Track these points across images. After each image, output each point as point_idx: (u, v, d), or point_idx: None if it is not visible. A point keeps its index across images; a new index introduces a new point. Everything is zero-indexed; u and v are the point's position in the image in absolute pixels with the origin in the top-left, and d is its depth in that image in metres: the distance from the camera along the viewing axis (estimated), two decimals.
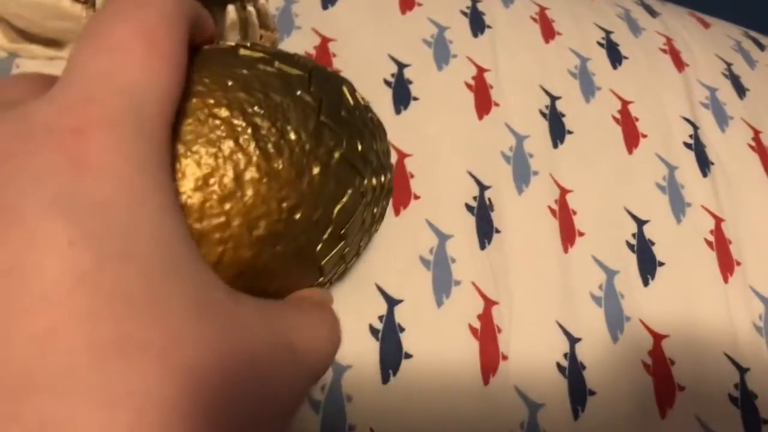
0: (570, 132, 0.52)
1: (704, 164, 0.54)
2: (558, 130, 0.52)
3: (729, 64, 0.63)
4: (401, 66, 0.52)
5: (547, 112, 0.53)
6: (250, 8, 0.43)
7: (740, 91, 0.61)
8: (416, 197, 0.45)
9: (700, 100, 0.59)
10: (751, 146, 0.57)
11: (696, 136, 0.56)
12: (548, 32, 0.59)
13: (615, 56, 0.59)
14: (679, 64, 0.61)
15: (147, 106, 0.19)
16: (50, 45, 0.45)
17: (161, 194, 0.19)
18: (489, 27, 0.57)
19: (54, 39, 0.44)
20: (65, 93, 0.19)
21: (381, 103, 0.50)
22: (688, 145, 0.55)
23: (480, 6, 0.58)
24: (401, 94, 0.50)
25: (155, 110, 0.20)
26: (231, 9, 0.42)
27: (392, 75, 0.51)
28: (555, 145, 0.51)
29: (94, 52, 0.20)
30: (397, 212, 0.44)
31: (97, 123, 0.18)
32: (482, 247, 0.45)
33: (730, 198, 0.53)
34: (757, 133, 0.58)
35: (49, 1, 0.41)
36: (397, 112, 0.49)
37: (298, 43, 0.51)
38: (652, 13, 0.66)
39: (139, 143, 0.19)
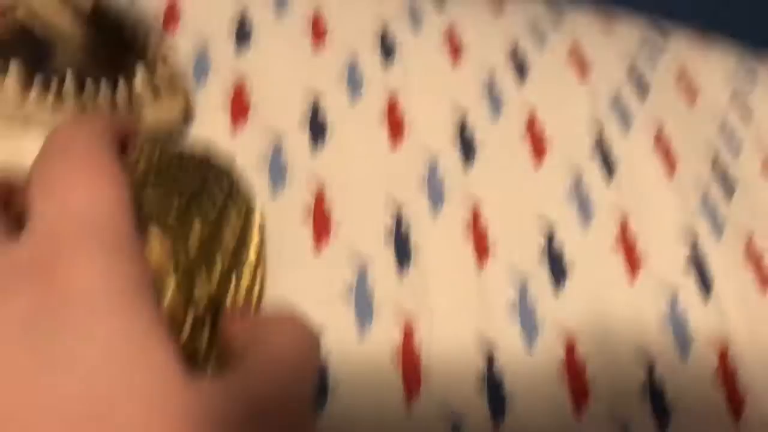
0: (481, 148, 0.56)
1: (610, 166, 0.58)
2: (470, 148, 0.55)
3: (633, 64, 0.67)
4: (316, 99, 0.54)
5: (458, 130, 0.56)
6: (159, 67, 0.45)
7: (643, 89, 0.65)
8: (335, 229, 0.48)
9: (604, 104, 0.62)
10: (653, 144, 0.60)
11: (601, 140, 0.59)
12: (456, 51, 0.62)
13: (522, 68, 0.62)
14: (584, 69, 0.64)
15: (107, 227, 0.22)
16: None
17: (150, 316, 0.22)
18: (399, 51, 0.60)
19: None
20: (31, 237, 0.22)
21: (298, 137, 0.52)
22: (593, 150, 0.58)
23: (390, 33, 0.61)
24: (317, 126, 0.53)
25: (115, 227, 0.22)
26: (140, 70, 0.44)
27: (308, 108, 0.54)
28: (467, 163, 0.54)
29: (47, 194, 0.23)
30: (317, 246, 0.47)
31: (68, 256, 0.21)
32: (401, 271, 0.48)
33: (635, 197, 0.56)
34: (659, 129, 0.62)
35: None
36: (314, 144, 0.52)
37: (214, 86, 0.53)
38: (557, 21, 0.69)
39: (113, 264, 0.22)
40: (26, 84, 0.43)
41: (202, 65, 0.54)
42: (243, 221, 0.36)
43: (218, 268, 0.31)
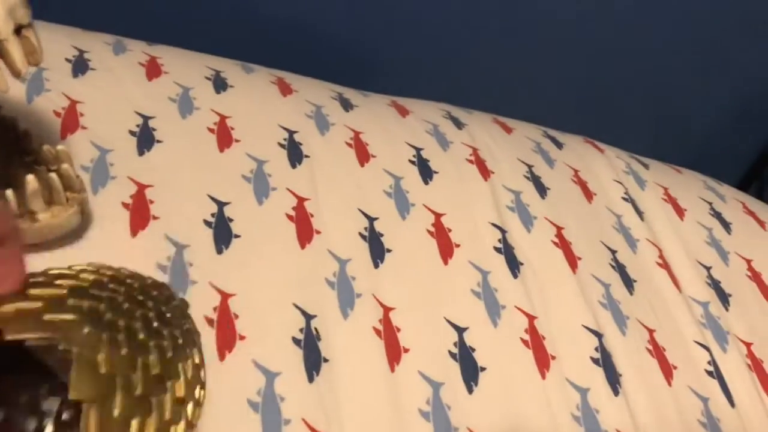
0: (389, 250, 0.56)
1: (514, 266, 0.59)
2: (378, 251, 0.55)
3: (530, 167, 0.70)
4: (221, 204, 0.54)
5: (366, 234, 0.56)
6: (52, 174, 0.44)
7: (542, 191, 0.67)
8: (241, 338, 0.46)
9: (506, 204, 0.64)
10: (554, 243, 0.63)
11: (504, 240, 0.61)
12: (363, 156, 0.63)
13: (426, 172, 0.64)
14: (485, 172, 0.66)
15: None
16: None
17: None
18: (307, 156, 0.60)
19: None
20: None
21: (202, 243, 0.51)
22: (498, 249, 0.60)
23: (297, 137, 0.62)
24: (222, 233, 0.52)
25: None
26: (31, 179, 0.42)
27: (212, 215, 0.53)
28: (376, 266, 0.54)
29: None
30: (222, 357, 0.45)
31: None
32: (311, 379, 0.46)
33: (541, 295, 0.57)
34: (559, 229, 0.64)
35: None
36: (219, 251, 0.51)
37: (114, 193, 0.51)
38: (459, 125, 0.72)
39: None
40: None
41: (101, 170, 0.53)
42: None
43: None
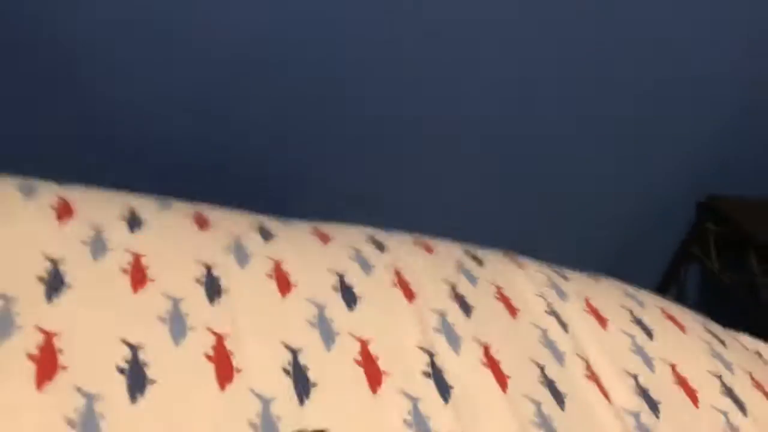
0: (314, 384, 0.54)
1: (444, 390, 0.58)
2: (303, 385, 0.53)
3: (454, 286, 0.70)
4: (135, 348, 0.51)
5: (290, 368, 0.54)
6: None
7: (466, 310, 0.67)
8: None
9: (432, 326, 0.64)
10: (483, 363, 0.62)
11: (433, 363, 0.60)
12: (284, 285, 0.62)
13: (350, 298, 0.63)
14: (409, 294, 0.66)
15: None
16: None
17: None
18: (226, 291, 0.59)
19: None
20: None
21: (115, 393, 0.48)
22: (427, 374, 0.59)
23: (215, 271, 0.61)
24: (136, 379, 0.49)
25: None
26: None
27: (125, 360, 0.50)
28: (301, 401, 0.52)
29: None
30: None
31: None
32: None
33: (472, 420, 0.56)
34: (486, 348, 0.64)
35: None
36: (133, 399, 0.48)
37: (19, 344, 0.49)
38: (381, 247, 0.72)
39: None
40: None
41: (5, 320, 0.50)
42: None
43: None
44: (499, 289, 0.74)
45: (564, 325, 0.72)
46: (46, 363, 0.48)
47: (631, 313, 0.78)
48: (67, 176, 0.71)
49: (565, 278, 0.82)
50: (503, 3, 1.07)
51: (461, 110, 1.15)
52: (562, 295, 0.77)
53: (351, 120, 1.12)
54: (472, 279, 0.73)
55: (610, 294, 0.83)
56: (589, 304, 0.77)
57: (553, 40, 1.13)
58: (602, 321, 0.76)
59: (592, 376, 0.67)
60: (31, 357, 0.48)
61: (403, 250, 0.74)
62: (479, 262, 0.78)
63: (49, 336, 0.50)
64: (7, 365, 0.47)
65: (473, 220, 1.13)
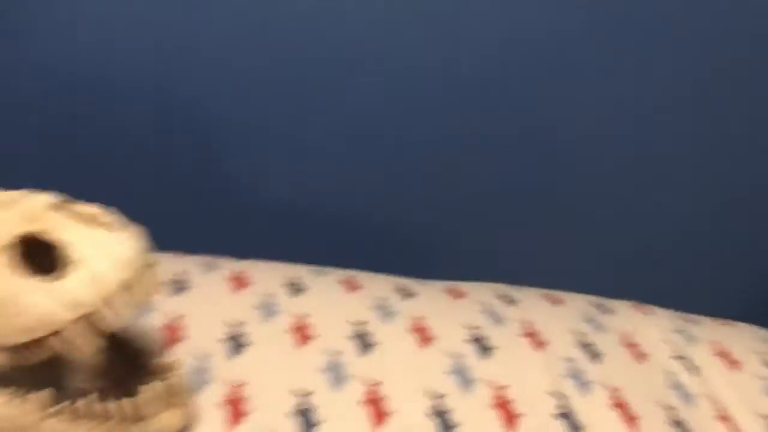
0: (457, 426, 0.61)
1: (575, 430, 0.63)
2: (447, 427, 0.61)
3: (581, 335, 0.75)
4: (304, 396, 0.61)
5: (435, 412, 0.62)
6: (164, 384, 0.52)
7: (594, 356, 0.72)
8: None
9: (561, 373, 0.69)
10: (611, 404, 0.67)
11: (564, 406, 0.65)
12: (425, 339, 0.70)
13: (484, 349, 0.70)
14: (539, 344, 0.72)
15: None
16: None
17: None
18: (374, 345, 0.68)
19: None
20: None
21: None
22: (557, 416, 0.64)
23: (365, 328, 0.70)
24: (307, 421, 0.59)
25: None
26: (147, 389, 0.51)
27: (297, 406, 0.60)
28: None
29: None
30: None
31: None
32: None
33: None
34: (614, 390, 0.68)
35: None
36: None
37: (211, 394, 0.60)
38: (511, 301, 0.79)
39: None
40: (49, 402, 0.50)
41: (200, 374, 0.61)
42: None
43: None
44: (625, 336, 0.78)
45: (694, 369, 0.75)
46: (234, 410, 0.59)
47: (764, 356, 0.80)
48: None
49: (695, 323, 0.84)
50: None
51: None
52: (691, 340, 0.80)
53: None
54: (600, 327, 0.78)
55: (743, 337, 0.84)
56: (720, 348, 0.79)
57: None
58: (735, 364, 0.78)
59: (724, 418, 0.69)
60: (222, 404, 0.59)
61: (532, 304, 0.80)
62: (606, 311, 0.82)
63: (234, 388, 0.61)
64: (203, 412, 0.58)
65: (604, 273, 1.17)
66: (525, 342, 0.73)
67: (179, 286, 0.72)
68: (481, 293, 0.81)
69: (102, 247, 0.45)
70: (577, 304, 0.83)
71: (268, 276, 0.77)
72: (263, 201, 1.17)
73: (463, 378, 0.66)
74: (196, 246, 0.85)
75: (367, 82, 1.08)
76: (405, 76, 1.08)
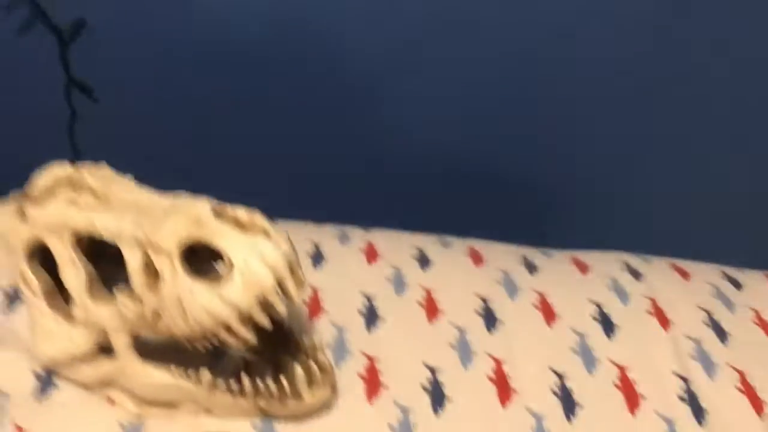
0: (579, 405, 0.64)
1: (699, 414, 0.64)
2: (569, 406, 0.64)
3: (710, 313, 0.75)
4: (434, 371, 0.65)
5: (558, 390, 0.65)
6: (311, 362, 0.58)
7: (722, 336, 0.72)
8: None
9: (687, 353, 0.70)
10: (739, 388, 0.67)
11: (688, 389, 0.66)
12: (550, 316, 0.72)
13: (608, 327, 0.72)
14: (665, 322, 0.73)
15: None
16: (167, 407, 0.60)
17: None
18: (500, 321, 0.71)
19: (171, 403, 0.60)
20: None
21: (421, 406, 0.62)
22: (682, 398, 0.65)
23: (490, 304, 0.73)
24: (437, 396, 0.63)
25: None
26: (298, 368, 0.57)
27: (428, 380, 0.65)
28: (569, 420, 0.63)
29: None
30: None
31: None
32: None
33: None
34: (742, 374, 0.68)
35: (165, 381, 0.57)
36: (436, 413, 0.62)
37: (351, 366, 0.65)
38: (637, 276, 0.80)
39: None
40: (215, 380, 0.57)
41: (340, 347, 0.67)
42: None
43: None
44: (757, 313, 0.77)
45: None
46: (372, 382, 0.64)
47: None
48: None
49: None
50: None
51: None
52: None
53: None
54: (729, 304, 0.77)
55: None
56: None
57: None
58: None
59: None
60: (360, 376, 0.65)
61: (659, 277, 0.80)
62: (737, 285, 0.81)
63: (371, 360, 0.66)
64: (344, 383, 0.64)
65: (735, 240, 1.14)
66: (650, 320, 0.73)
67: (316, 258, 0.78)
68: (607, 265, 0.81)
69: (256, 251, 0.50)
70: (706, 276, 0.82)
71: (396, 247, 0.81)
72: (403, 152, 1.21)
73: (587, 357, 0.68)
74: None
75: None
76: None
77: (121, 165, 1.28)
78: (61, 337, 0.58)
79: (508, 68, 1.10)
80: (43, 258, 0.59)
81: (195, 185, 1.27)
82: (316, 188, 1.28)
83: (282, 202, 1.27)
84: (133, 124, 1.22)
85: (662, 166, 1.17)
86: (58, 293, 0.59)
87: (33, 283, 0.58)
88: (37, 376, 0.63)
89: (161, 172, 1.25)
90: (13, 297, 0.70)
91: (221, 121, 1.20)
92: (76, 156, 1.25)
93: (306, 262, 0.77)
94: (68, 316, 0.58)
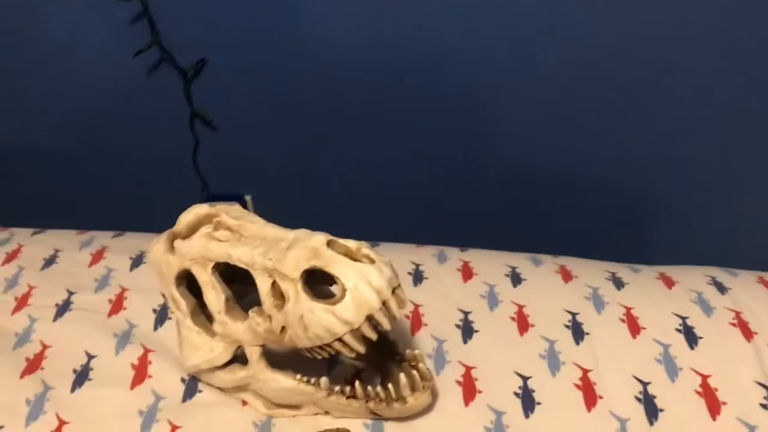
0: (662, 410, 0.69)
1: None
2: (652, 411, 0.69)
3: None
4: (525, 379, 0.73)
5: (641, 396, 0.70)
6: (413, 371, 0.67)
7: None
8: None
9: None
10: None
11: None
12: (634, 329, 0.78)
13: (692, 338, 0.76)
14: (748, 334, 0.77)
15: None
16: (292, 408, 0.70)
17: None
18: (587, 334, 0.77)
19: (295, 404, 0.70)
20: None
21: (513, 410, 0.70)
22: (764, 406, 0.69)
23: (578, 318, 0.79)
24: (528, 401, 0.70)
25: None
26: (403, 376, 0.66)
27: (519, 387, 0.72)
28: (651, 423, 0.68)
29: None
30: None
31: None
32: None
33: None
34: None
35: (290, 386, 0.67)
36: (527, 416, 0.69)
37: (449, 374, 0.73)
38: (722, 289, 0.83)
39: None
40: (330, 385, 0.66)
41: (440, 357, 0.75)
42: None
43: None
44: None
45: None
46: (468, 388, 0.72)
47: None
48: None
49: None
50: None
51: None
52: None
53: None
54: None
55: None
56: None
57: None
58: None
59: None
60: (458, 383, 0.73)
61: (745, 290, 0.83)
62: None
63: (467, 368, 0.74)
64: (443, 389, 0.72)
65: None
66: (733, 331, 0.77)
67: (416, 277, 0.87)
68: (693, 280, 0.85)
69: (364, 277, 0.60)
70: None
71: (490, 266, 0.89)
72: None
73: (670, 366, 0.73)
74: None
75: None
76: None
77: (237, 184, 1.42)
78: (204, 349, 0.70)
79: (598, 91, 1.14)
80: (187, 282, 0.71)
81: (307, 201, 1.39)
82: (419, 209, 1.37)
83: (388, 219, 1.37)
84: (249, 150, 1.35)
85: (752, 181, 1.18)
86: (201, 312, 0.71)
87: (181, 304, 0.70)
88: (184, 381, 0.75)
89: (275, 193, 1.39)
90: (161, 316, 0.83)
91: (334, 146, 1.31)
92: (199, 178, 1.40)
93: (407, 281, 0.86)
94: (210, 332, 0.70)
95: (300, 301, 0.61)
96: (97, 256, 0.94)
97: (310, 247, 0.62)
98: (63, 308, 0.84)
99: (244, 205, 1.45)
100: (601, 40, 1.08)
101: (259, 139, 1.34)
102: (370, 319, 0.60)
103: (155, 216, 1.36)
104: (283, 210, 1.41)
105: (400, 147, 1.28)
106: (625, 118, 1.16)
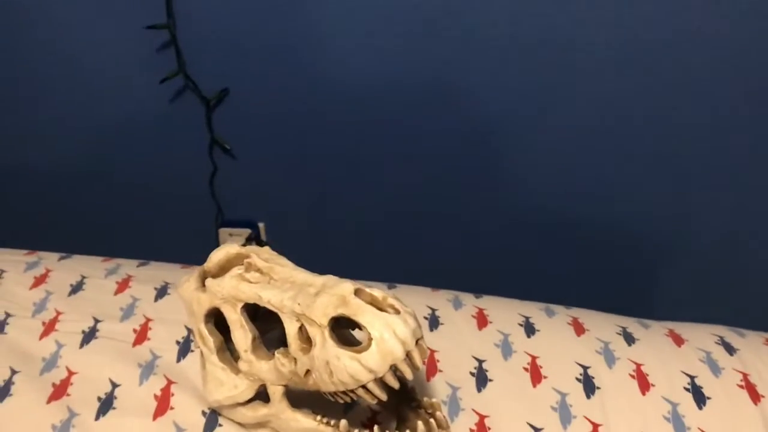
0: None
1: None
2: None
3: None
4: (537, 430, 0.75)
5: None
6: (431, 419, 0.69)
7: None
8: None
9: None
10: None
11: None
12: (644, 385, 0.80)
13: (700, 398, 0.78)
14: (755, 397, 0.79)
15: None
16: None
17: None
18: (598, 388, 0.79)
19: None
20: None
21: None
22: None
23: (590, 371, 0.81)
24: None
25: None
26: (420, 424, 0.68)
27: None
28: None
29: None
30: None
31: None
32: None
33: None
34: None
35: (310, 426, 0.69)
36: None
37: (463, 422, 0.76)
38: (731, 350, 0.85)
39: None
40: (348, 428, 0.68)
41: (454, 404, 0.78)
42: None
43: None
44: None
45: None
46: None
47: None
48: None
49: None
50: None
51: None
52: None
53: None
54: None
55: None
56: None
57: None
58: None
59: None
60: (471, 431, 0.75)
61: (753, 352, 0.85)
62: None
63: (481, 417, 0.76)
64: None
65: None
66: (741, 393, 0.79)
67: (432, 322, 0.89)
68: (702, 338, 0.88)
69: (389, 327, 0.62)
70: None
71: (504, 314, 0.91)
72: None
73: (678, 425, 0.75)
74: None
75: None
76: None
77: (251, 212, 1.45)
78: (227, 385, 0.72)
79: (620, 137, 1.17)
80: (215, 319, 0.74)
81: (320, 233, 1.41)
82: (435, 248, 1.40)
83: (402, 255, 1.39)
84: (265, 179, 1.38)
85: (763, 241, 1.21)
86: (227, 349, 0.73)
87: (209, 340, 0.73)
88: (204, 415, 0.77)
89: (288, 222, 1.42)
90: (184, 347, 0.85)
91: (350, 180, 1.34)
92: (215, 204, 1.44)
93: (424, 326, 0.88)
94: (234, 369, 0.72)
95: (327, 347, 0.63)
96: (123, 285, 0.96)
97: (338, 294, 0.64)
98: (89, 335, 0.87)
99: (257, 233, 1.48)
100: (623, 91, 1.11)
101: (276, 169, 1.37)
102: (393, 368, 0.62)
103: (170, 238, 1.39)
104: (295, 241, 1.45)
105: (416, 182, 1.31)
106: (641, 175, 1.19)
